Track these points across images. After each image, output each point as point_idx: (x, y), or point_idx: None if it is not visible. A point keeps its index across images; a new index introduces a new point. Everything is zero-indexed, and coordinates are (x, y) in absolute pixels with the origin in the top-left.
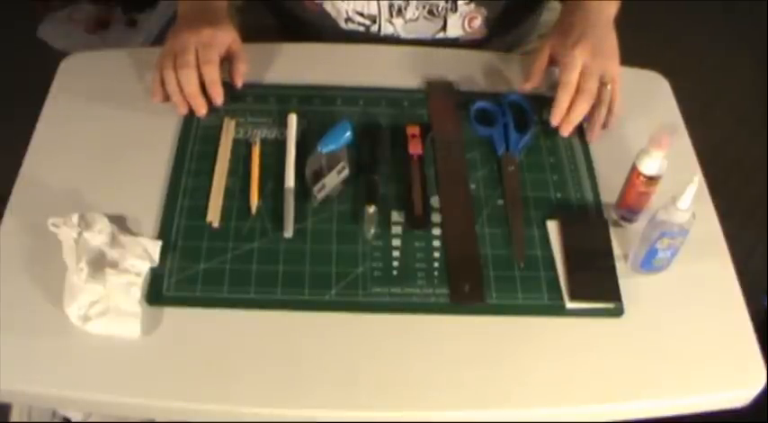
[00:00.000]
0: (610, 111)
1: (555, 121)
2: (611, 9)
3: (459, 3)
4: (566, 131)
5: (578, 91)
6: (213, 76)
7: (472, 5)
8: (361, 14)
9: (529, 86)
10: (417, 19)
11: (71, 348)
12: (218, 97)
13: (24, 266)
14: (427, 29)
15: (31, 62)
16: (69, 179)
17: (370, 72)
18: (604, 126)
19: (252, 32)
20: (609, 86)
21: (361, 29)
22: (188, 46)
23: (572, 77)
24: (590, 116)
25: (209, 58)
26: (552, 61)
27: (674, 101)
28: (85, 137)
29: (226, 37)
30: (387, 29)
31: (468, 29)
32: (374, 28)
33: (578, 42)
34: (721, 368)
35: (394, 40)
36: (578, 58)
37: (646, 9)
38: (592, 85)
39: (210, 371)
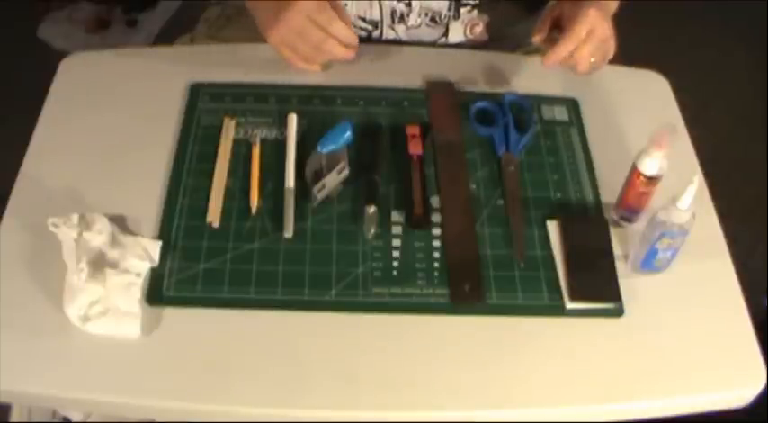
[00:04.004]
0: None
1: (548, 63)
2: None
3: (462, 10)
4: (548, 63)
5: (584, 42)
6: (342, 30)
7: (474, 12)
8: (364, 20)
9: (539, 38)
10: (419, 26)
11: (71, 348)
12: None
13: (24, 266)
14: (429, 35)
15: (31, 62)
16: (69, 179)
17: (370, 72)
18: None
19: (253, 33)
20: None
21: (363, 34)
22: (303, 22)
23: (582, 30)
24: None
25: (328, 18)
26: (556, 24)
27: (674, 101)
28: (85, 137)
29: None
30: (389, 34)
31: (469, 35)
32: (376, 33)
33: (591, 6)
34: (721, 368)
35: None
36: (591, 16)
37: (645, 9)
38: (595, 42)
39: (210, 371)
